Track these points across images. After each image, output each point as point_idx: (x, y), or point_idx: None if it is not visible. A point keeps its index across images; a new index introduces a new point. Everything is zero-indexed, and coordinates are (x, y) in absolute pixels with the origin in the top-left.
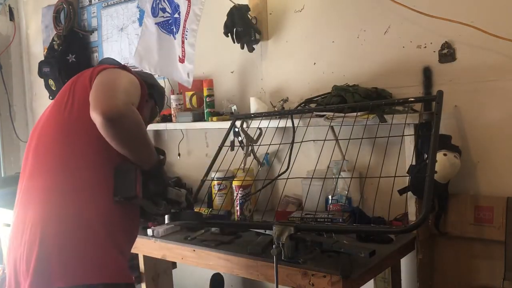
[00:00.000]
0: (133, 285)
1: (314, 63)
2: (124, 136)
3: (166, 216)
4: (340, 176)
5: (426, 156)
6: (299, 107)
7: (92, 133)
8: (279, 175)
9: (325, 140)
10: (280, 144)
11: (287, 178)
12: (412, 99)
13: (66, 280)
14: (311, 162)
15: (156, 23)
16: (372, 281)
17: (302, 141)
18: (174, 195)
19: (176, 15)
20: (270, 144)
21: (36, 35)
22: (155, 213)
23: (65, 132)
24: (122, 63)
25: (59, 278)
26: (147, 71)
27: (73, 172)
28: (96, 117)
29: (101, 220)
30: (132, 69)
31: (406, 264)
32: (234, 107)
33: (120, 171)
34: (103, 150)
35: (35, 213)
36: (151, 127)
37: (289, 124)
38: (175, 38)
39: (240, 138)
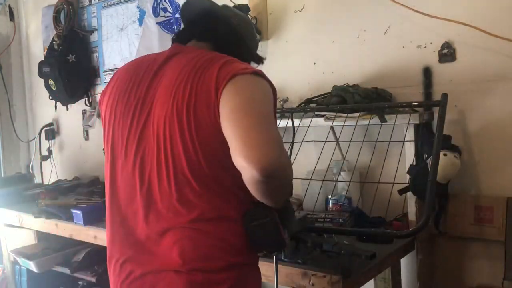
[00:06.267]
0: None
1: (314, 63)
2: (279, 191)
3: None
4: (338, 180)
5: (426, 156)
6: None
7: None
8: None
9: (325, 141)
10: None
11: None
12: (415, 103)
13: None
14: (311, 162)
15: (157, 23)
16: (372, 281)
17: (302, 141)
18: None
19: (177, 15)
20: None
21: (36, 35)
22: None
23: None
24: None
25: None
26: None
27: None
28: (249, 171)
29: None
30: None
31: (406, 264)
32: None
33: (257, 222)
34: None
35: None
36: None
37: (289, 124)
38: None
39: None
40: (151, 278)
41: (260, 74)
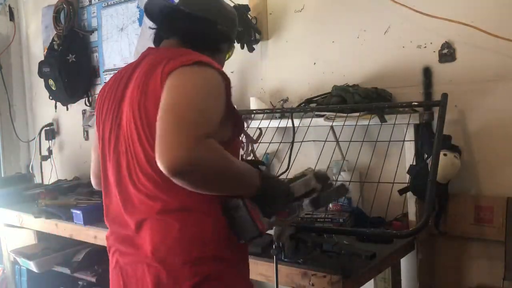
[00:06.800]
0: None
1: (314, 63)
2: (202, 185)
3: (307, 204)
4: (338, 179)
5: (426, 156)
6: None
7: None
8: (279, 176)
9: (325, 141)
10: (280, 142)
11: (287, 178)
12: (415, 103)
13: None
14: (311, 162)
15: None
16: (372, 281)
17: (302, 141)
18: (303, 189)
19: None
20: (270, 142)
21: (36, 35)
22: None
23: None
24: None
25: None
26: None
27: None
28: (161, 168)
29: None
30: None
31: (406, 264)
32: None
33: (230, 212)
34: None
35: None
36: None
37: (290, 124)
38: None
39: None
40: (130, 268)
41: (205, 63)
